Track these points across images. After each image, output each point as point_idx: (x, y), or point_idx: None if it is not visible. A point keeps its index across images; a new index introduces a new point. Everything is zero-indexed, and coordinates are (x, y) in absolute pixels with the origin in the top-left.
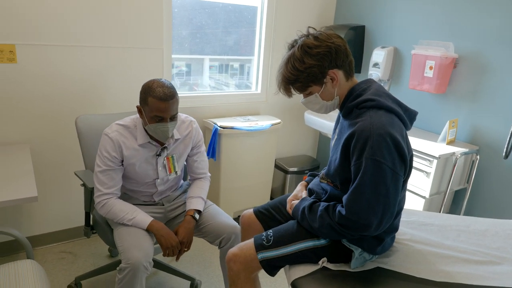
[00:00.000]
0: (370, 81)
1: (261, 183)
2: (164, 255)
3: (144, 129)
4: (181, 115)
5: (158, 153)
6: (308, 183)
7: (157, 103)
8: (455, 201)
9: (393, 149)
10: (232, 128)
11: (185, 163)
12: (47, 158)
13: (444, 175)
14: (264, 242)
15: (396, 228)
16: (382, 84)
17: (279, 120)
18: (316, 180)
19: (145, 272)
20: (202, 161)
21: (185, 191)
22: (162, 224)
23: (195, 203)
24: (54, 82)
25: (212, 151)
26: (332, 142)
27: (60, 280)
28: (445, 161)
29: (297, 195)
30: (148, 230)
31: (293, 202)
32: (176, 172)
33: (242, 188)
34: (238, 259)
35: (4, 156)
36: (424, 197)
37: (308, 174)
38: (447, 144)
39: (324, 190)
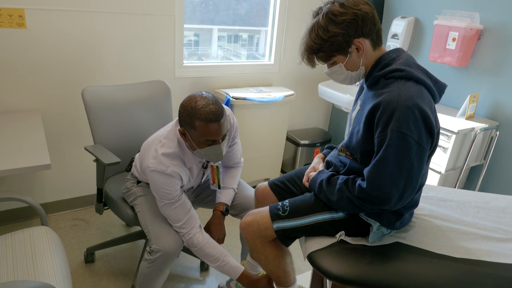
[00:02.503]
0: (399, 51)
1: (272, 155)
2: None
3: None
4: None
5: (204, 165)
6: (325, 155)
7: (207, 126)
8: (470, 177)
9: (421, 122)
10: (244, 99)
11: None
12: (59, 124)
13: (462, 150)
14: (280, 212)
15: (416, 203)
16: None
17: (292, 92)
18: (334, 152)
19: (176, 257)
20: (237, 151)
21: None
22: (251, 276)
23: (226, 196)
24: (64, 49)
25: None
26: (354, 113)
27: (73, 246)
28: (463, 136)
29: (315, 167)
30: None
31: (310, 174)
32: (219, 186)
33: (253, 160)
34: (251, 228)
35: (15, 123)
36: (439, 173)
37: (326, 147)
38: (466, 119)
39: (342, 163)
